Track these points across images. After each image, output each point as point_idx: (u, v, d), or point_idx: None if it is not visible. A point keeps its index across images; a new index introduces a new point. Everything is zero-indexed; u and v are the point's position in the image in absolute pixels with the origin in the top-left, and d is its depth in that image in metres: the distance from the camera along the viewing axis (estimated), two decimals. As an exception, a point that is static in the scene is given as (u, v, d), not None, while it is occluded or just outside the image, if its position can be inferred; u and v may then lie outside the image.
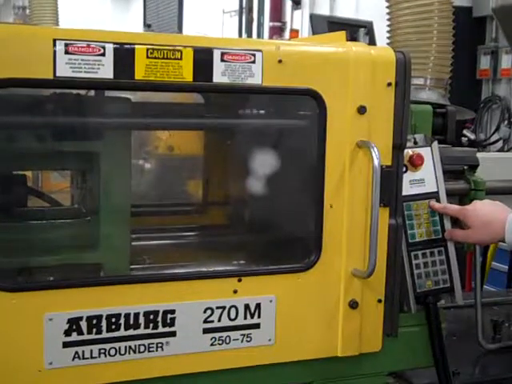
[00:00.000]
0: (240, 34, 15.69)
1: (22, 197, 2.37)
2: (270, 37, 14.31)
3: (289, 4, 13.97)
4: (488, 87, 9.27)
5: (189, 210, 3.02)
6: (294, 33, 12.07)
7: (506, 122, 8.91)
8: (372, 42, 4.17)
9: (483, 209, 2.39)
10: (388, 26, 2.94)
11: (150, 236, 2.75)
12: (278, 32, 14.33)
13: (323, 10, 12.46)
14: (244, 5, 15.37)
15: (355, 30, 6.24)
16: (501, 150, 8.79)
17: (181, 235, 2.87)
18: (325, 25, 6.11)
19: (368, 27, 6.49)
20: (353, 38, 6.25)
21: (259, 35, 15.19)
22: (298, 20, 13.59)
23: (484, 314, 3.13)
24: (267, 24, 14.72)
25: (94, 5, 21.40)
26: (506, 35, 3.67)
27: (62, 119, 2.24)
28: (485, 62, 8.94)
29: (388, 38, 2.96)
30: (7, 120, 2.02)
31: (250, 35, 15.48)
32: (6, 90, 1.95)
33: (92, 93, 2.30)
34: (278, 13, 14.16)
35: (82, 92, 2.26)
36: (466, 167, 2.87)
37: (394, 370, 2.58)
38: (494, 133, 9.01)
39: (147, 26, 13.08)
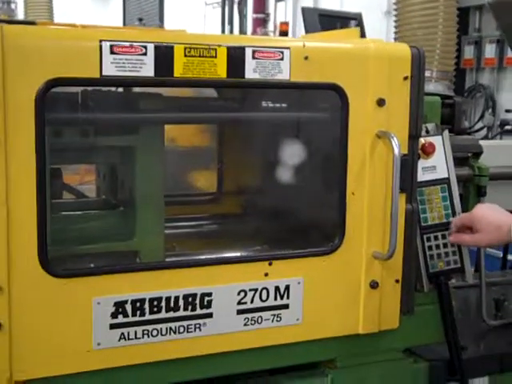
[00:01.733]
0: (223, 26, 15.78)
1: (58, 189, 2.49)
2: (254, 29, 14.43)
3: (272, -5, 14.11)
4: (472, 76, 9.51)
5: (212, 199, 3.16)
6: (284, 25, 12.22)
7: (489, 111, 9.15)
8: (362, 33, 4.32)
9: (492, 214, 2.48)
10: (395, 21, 3.10)
11: (176, 225, 2.89)
12: (261, 24, 14.46)
13: (307, 1, 12.61)
14: (227, -4, 15.46)
15: (346, 22, 6.40)
16: (485, 137, 9.03)
17: (206, 223, 3.02)
18: (316, 17, 6.25)
19: (358, 19, 6.65)
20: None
21: (242, 27, 15.28)
22: (282, 12, 13.72)
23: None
24: (250, 15, 14.83)
25: (73, -4, 21.33)
26: (501, 29, 3.83)
27: (102, 115, 2.37)
28: (469, 52, 9.16)
29: (395, 32, 3.12)
30: (53, 116, 2.13)
31: (232, 27, 15.57)
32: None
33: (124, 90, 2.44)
34: (261, 4, 14.28)
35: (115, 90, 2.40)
36: (470, 154, 3.05)
37: (409, 345, 2.75)
38: (478, 121, 9.24)
39: (139, 19, 13.15)
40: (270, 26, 14.20)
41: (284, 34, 11.91)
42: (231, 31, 15.32)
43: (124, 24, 20.70)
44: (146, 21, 18.96)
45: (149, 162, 2.38)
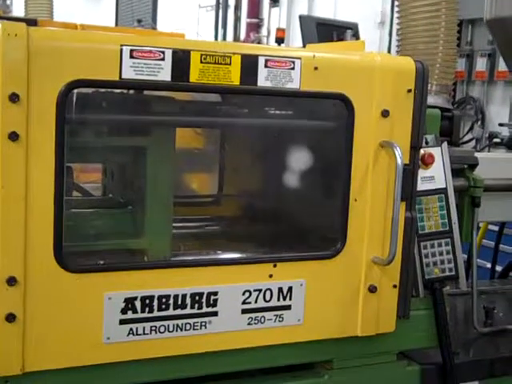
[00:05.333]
0: (216, 30, 15.85)
1: (69, 187, 2.56)
2: (247, 33, 14.51)
3: (266, 1, 14.19)
4: (462, 88, 9.65)
5: (215, 201, 3.24)
6: (281, 32, 12.31)
7: (479, 123, 9.30)
8: (358, 43, 4.41)
9: None
10: (397, 34, 3.19)
11: (182, 225, 2.96)
12: (254, 29, 14.54)
13: (301, 7, 12.73)
14: (221, 0, 15.53)
15: (342, 31, 6.49)
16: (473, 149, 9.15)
17: (207, 224, 3.09)
18: (313, 26, 6.34)
19: (354, 29, 6.74)
20: (339, 38, 6.51)
21: (236, 31, 15.36)
22: (276, 17, 13.82)
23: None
24: (244, 20, 14.91)
25: (66, -4, 21.28)
26: (498, 46, 3.95)
27: (116, 117, 2.44)
28: (460, 64, 9.30)
29: (397, 45, 3.21)
30: (71, 117, 2.20)
31: (226, 31, 15.64)
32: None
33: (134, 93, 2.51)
34: (255, 9, 14.36)
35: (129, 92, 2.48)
36: (466, 166, 3.16)
37: (403, 349, 2.84)
38: (467, 133, 9.38)
39: (138, 21, 13.17)
40: (264, 31, 14.29)
41: (280, 40, 12.01)
42: (224, 35, 15.41)
43: (116, 24, 20.69)
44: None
45: (160, 163, 2.46)
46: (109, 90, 2.35)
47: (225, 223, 3.13)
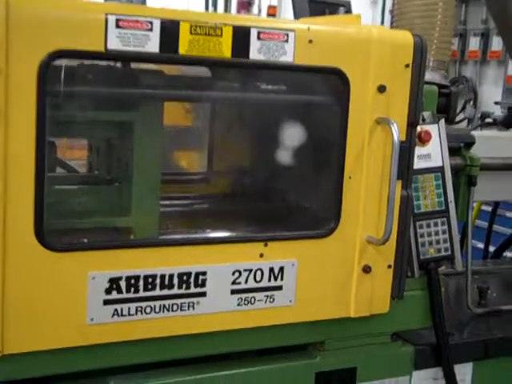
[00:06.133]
0: (206, 8, 15.63)
1: (52, 163, 2.46)
2: (238, 11, 14.32)
3: (257, -22, 14.00)
4: (455, 68, 9.56)
5: (204, 179, 3.15)
6: (272, 9, 12.14)
7: (471, 103, 9.22)
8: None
9: None
10: (394, 9, 3.10)
11: (167, 203, 2.87)
12: (245, 7, 14.35)
13: (293, -15, 12.53)
14: (211, -23, 15.29)
15: (335, 8, 6.38)
16: (465, 129, 9.09)
17: (197, 202, 3.01)
18: (305, 3, 6.22)
19: (347, 6, 6.63)
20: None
21: (226, 9, 15.16)
22: (267, -5, 13.63)
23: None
24: (234, -3, 14.70)
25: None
26: (493, 17, 3.85)
27: (102, 90, 2.34)
28: (453, 44, 9.19)
29: (392, 21, 3.12)
30: (54, 89, 2.10)
31: (216, 9, 15.43)
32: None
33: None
34: (246, -13, 14.16)
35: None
36: (462, 144, 3.08)
37: (397, 330, 2.78)
38: (459, 112, 9.29)
39: (127, -4, 12.88)
40: (255, 9, 14.10)
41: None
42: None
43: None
44: (128, -2, 18.69)
45: (147, 139, 2.36)
46: (94, 61, 2.24)
47: (214, 201, 3.05)
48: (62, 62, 2.08)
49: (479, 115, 8.90)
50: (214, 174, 3.19)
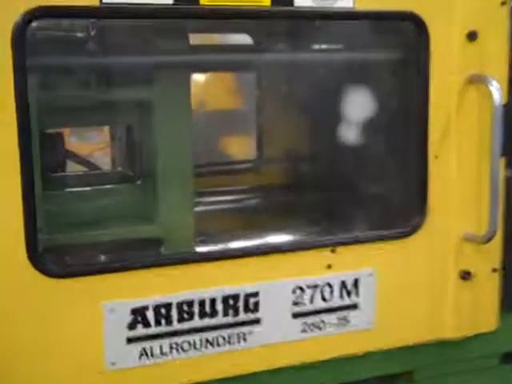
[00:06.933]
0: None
1: (59, 160, 1.98)
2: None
3: None
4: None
5: (248, 168, 2.62)
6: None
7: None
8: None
9: None
10: None
11: (206, 201, 2.36)
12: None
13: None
14: None
15: None
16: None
17: (243, 197, 2.48)
18: None
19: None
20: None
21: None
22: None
23: None
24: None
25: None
26: None
27: (108, 59, 1.83)
28: None
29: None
30: (40, 61, 1.61)
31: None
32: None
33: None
34: None
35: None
36: None
37: (508, 350, 2.22)
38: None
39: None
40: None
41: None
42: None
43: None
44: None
45: (171, 122, 1.87)
46: (91, 20, 1.73)
47: (264, 195, 2.53)
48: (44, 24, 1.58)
49: None
50: (265, 162, 2.67)
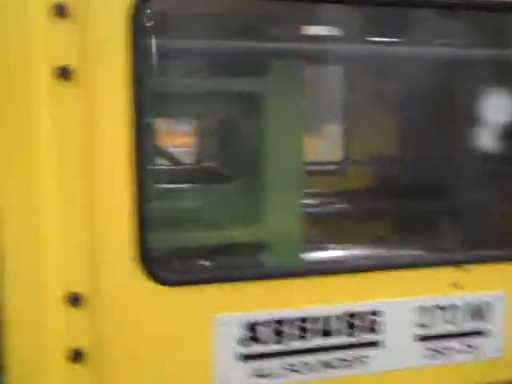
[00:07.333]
0: None
1: (150, 154, 1.84)
2: None
3: None
4: None
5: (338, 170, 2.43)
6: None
7: None
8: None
9: None
10: None
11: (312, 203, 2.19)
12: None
13: None
14: None
15: None
16: None
17: (332, 201, 2.28)
18: None
19: None
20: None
21: None
22: None
23: None
24: None
25: None
26: None
27: (214, 44, 1.69)
28: None
29: None
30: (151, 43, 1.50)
31: None
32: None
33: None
34: None
35: None
36: None
37: None
38: None
39: None
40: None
41: None
42: None
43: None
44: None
45: (284, 116, 1.73)
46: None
47: (353, 200, 2.29)
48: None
49: None
50: (353, 164, 2.50)
